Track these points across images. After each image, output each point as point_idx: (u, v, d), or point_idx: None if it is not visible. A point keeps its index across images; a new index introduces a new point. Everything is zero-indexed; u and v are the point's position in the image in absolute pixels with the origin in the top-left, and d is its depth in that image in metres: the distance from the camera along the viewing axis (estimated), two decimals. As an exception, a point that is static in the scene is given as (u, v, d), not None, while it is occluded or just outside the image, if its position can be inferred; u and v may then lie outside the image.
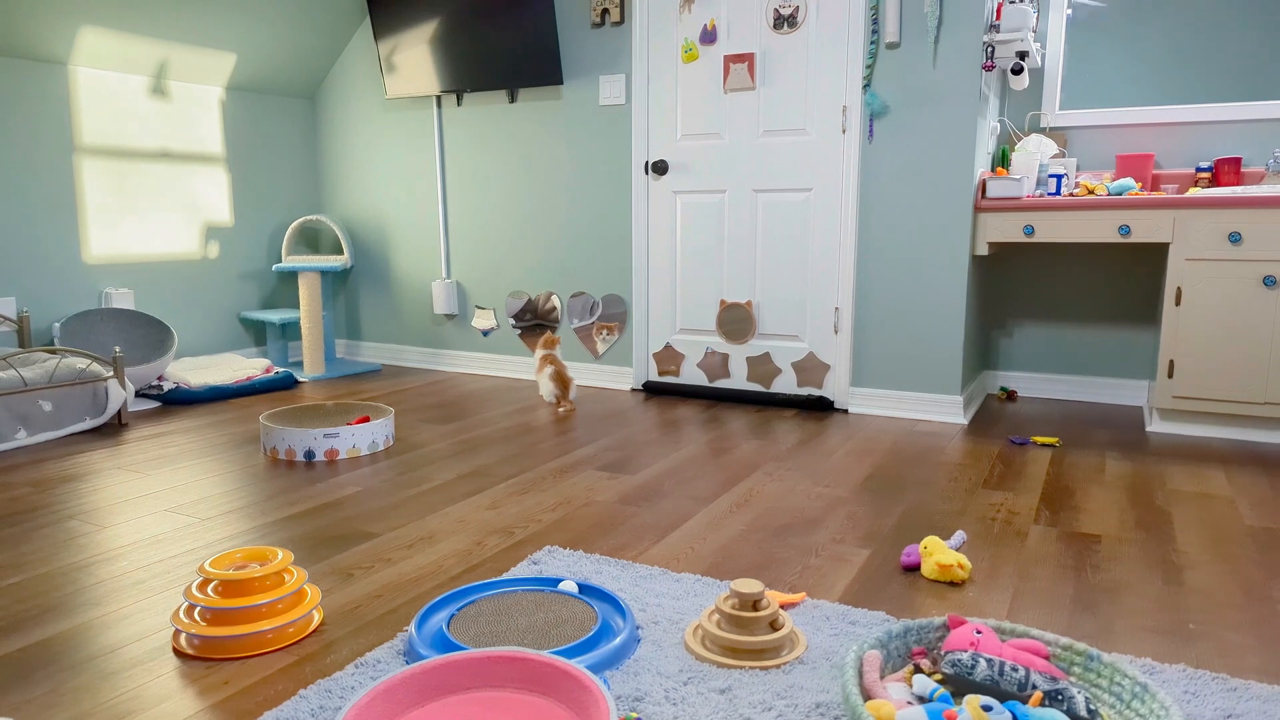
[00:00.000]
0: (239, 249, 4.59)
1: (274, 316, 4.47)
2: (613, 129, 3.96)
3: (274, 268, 4.51)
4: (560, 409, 3.65)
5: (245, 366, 4.10)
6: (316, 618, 1.73)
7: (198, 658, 1.59)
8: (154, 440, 3.15)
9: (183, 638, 1.63)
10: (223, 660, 1.58)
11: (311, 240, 4.96)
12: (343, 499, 2.50)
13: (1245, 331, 3.01)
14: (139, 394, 3.79)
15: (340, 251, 4.88)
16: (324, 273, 4.67)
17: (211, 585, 1.66)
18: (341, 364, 4.69)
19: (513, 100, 4.20)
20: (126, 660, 1.57)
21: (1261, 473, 2.70)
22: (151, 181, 4.17)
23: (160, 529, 2.25)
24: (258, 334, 4.72)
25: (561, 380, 3.71)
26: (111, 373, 3.34)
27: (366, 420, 3.12)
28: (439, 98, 4.40)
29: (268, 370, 4.16)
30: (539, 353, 3.81)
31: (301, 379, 4.33)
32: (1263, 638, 1.65)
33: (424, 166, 4.52)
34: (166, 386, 3.79)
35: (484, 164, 4.34)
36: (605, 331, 4.05)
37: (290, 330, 4.86)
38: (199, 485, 2.62)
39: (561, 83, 3.99)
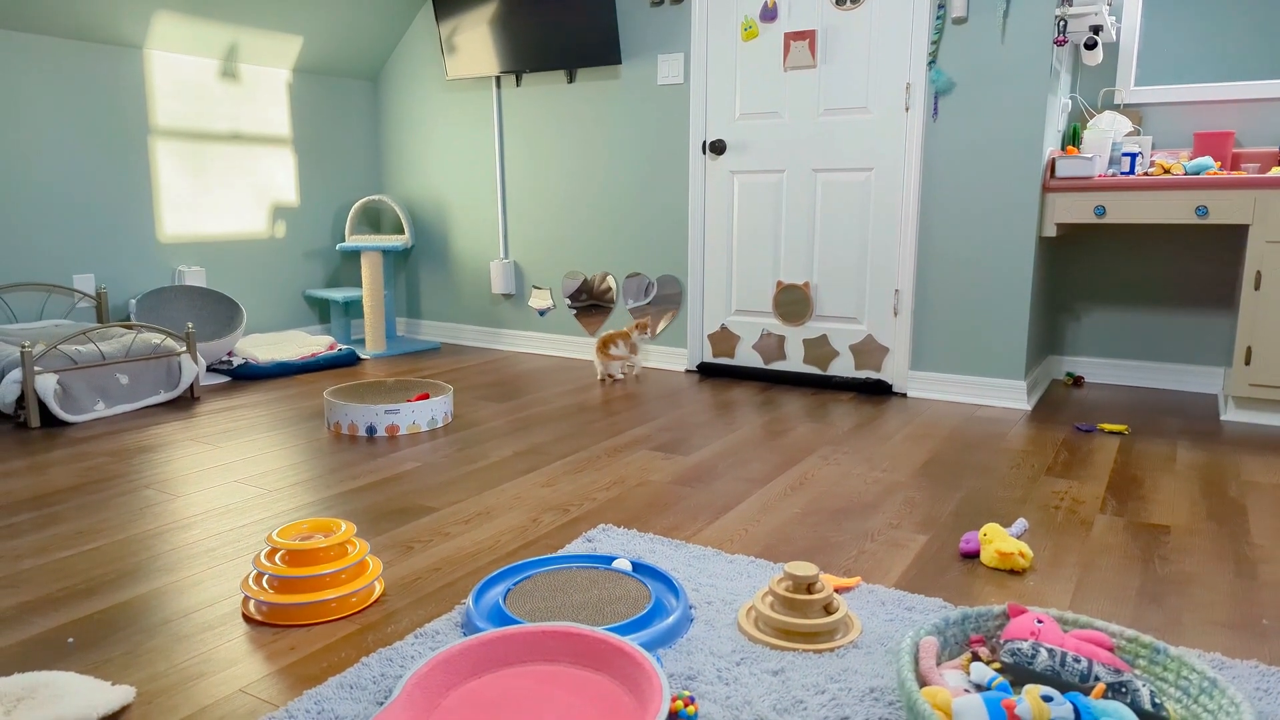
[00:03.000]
0: (304, 229, 4.70)
1: (337, 295, 4.57)
2: (670, 108, 3.94)
3: (337, 247, 4.61)
4: (611, 377, 3.87)
5: (310, 343, 4.21)
6: (378, 588, 1.78)
7: (265, 624, 1.65)
8: (224, 413, 3.26)
9: (251, 604, 1.69)
10: (289, 627, 1.64)
11: (374, 220, 5.05)
12: (403, 474, 2.56)
13: (1331, 318, 2.87)
14: (210, 369, 3.93)
15: (401, 231, 4.96)
16: (385, 252, 4.75)
17: (279, 554, 1.72)
18: (402, 342, 4.78)
19: (571, 80, 4.21)
20: (198, 624, 1.64)
21: (1345, 465, 2.59)
22: (222, 163, 4.29)
23: (230, 499, 2.33)
24: (322, 312, 4.84)
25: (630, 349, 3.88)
26: (184, 348, 3.46)
27: (426, 397, 3.18)
28: (498, 78, 4.43)
29: (331, 347, 4.26)
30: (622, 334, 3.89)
31: (363, 356, 4.43)
32: (1342, 636, 1.58)
33: (483, 147, 4.56)
34: (236, 362, 3.92)
35: (542, 144, 4.36)
36: (660, 317, 4.10)
37: (353, 308, 4.97)
38: (267, 458, 2.71)
39: (620, 62, 3.98)
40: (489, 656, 1.45)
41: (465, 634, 1.58)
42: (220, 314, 4.07)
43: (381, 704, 1.36)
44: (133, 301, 3.91)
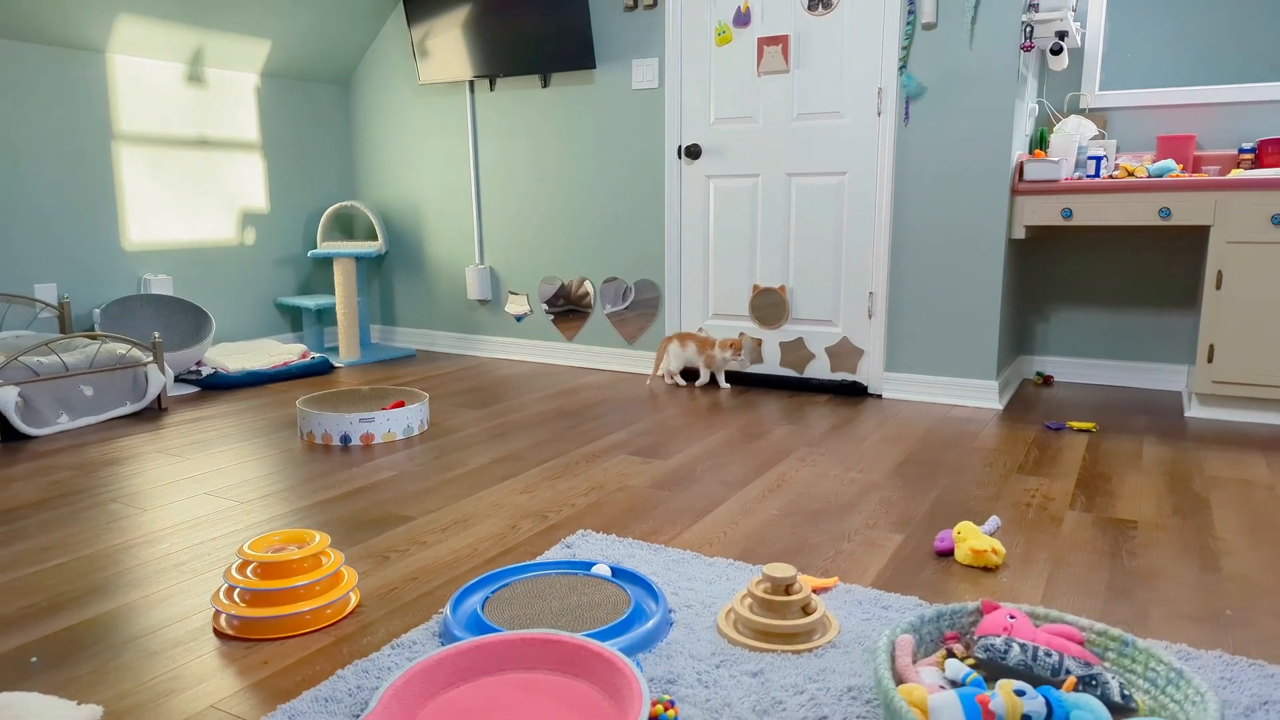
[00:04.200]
0: (275, 235, 4.66)
1: (309, 302, 4.53)
2: (645, 113, 3.95)
3: (309, 254, 4.57)
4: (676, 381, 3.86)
5: (282, 352, 4.17)
6: (353, 599, 1.76)
7: (237, 638, 1.63)
8: (193, 424, 3.22)
9: (223, 619, 1.67)
10: (262, 641, 1.62)
11: (346, 226, 5.02)
12: (378, 483, 2.54)
13: (1291, 315, 2.94)
14: (178, 379, 3.87)
15: (374, 237, 4.93)
16: (358, 258, 4.72)
17: (250, 567, 1.70)
18: (376, 349, 4.74)
19: (545, 85, 4.20)
20: (168, 640, 1.62)
21: (1306, 460, 2.65)
22: (189, 168, 4.24)
23: (200, 512, 2.30)
24: (294, 319, 4.79)
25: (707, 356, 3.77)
26: (151, 358, 3.41)
27: (401, 405, 3.16)
28: (472, 83, 4.41)
29: (304, 355, 4.22)
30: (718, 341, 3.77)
31: (337, 364, 4.39)
32: (1305, 627, 1.62)
33: (457, 152, 4.54)
34: (205, 371, 3.87)
35: (517, 149, 4.35)
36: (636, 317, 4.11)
37: (326, 316, 4.92)
38: (237, 469, 2.68)
39: (594, 67, 3.98)
40: (467, 665, 1.44)
41: (443, 643, 1.57)
42: (188, 323, 4.02)
43: (357, 717, 1.35)
44: (97, 311, 3.85)
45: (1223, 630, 1.61)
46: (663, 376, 3.91)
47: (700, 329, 3.98)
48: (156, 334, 3.49)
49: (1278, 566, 1.89)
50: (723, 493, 2.41)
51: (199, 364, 3.91)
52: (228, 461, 2.75)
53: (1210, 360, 3.08)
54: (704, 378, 3.84)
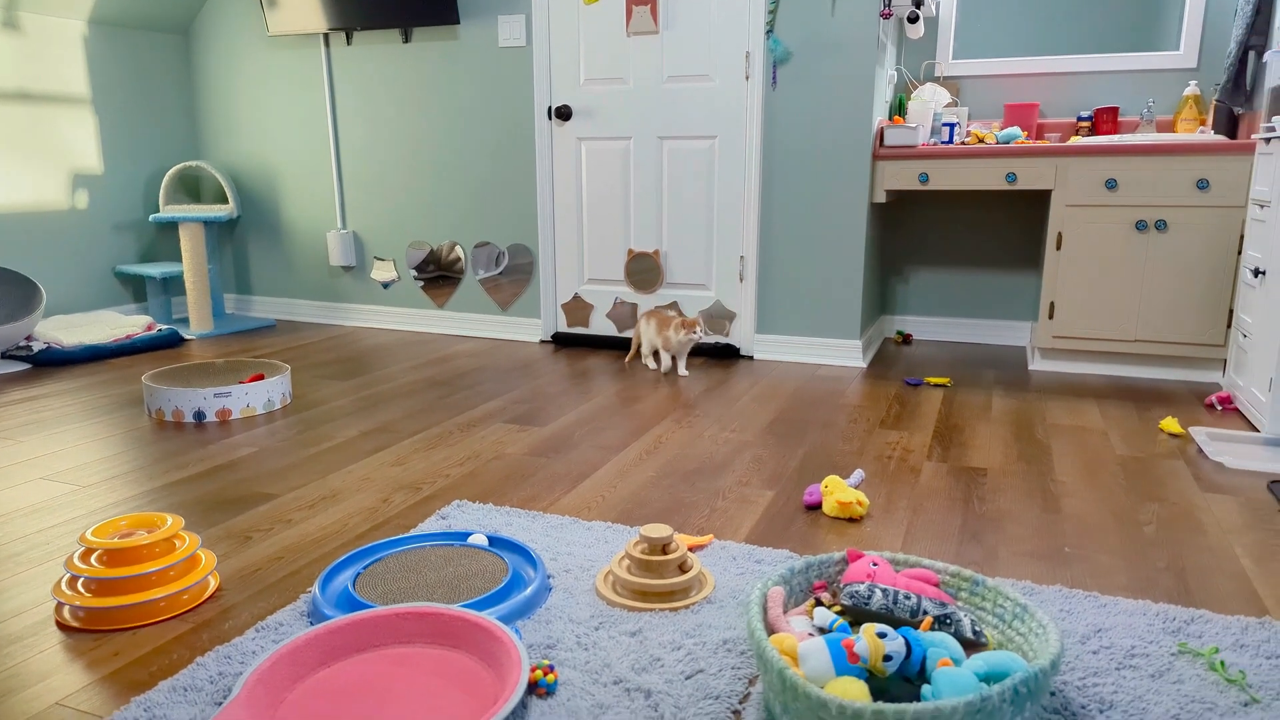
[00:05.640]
0: (111, 198, 4.29)
1: (154, 270, 4.22)
2: (514, 72, 3.85)
3: (151, 218, 4.24)
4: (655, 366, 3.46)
5: (124, 324, 3.87)
6: (213, 583, 1.67)
7: (84, 630, 1.51)
8: (24, 404, 2.95)
9: (66, 610, 1.55)
10: (112, 631, 1.51)
11: (192, 188, 4.68)
12: (237, 460, 2.40)
13: (1118, 274, 3.19)
14: (5, 355, 3.53)
15: (224, 200, 4.62)
16: (207, 223, 4.42)
17: (95, 555, 1.58)
18: (231, 320, 4.47)
19: (407, 40, 4.02)
20: (4, 636, 1.49)
21: (1131, 406, 2.89)
22: (8, 125, 3.84)
23: (36, 498, 2.12)
24: (137, 289, 4.45)
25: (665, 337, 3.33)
26: (-27, 333, 3.09)
27: (261, 378, 3.00)
28: (327, 35, 4.17)
29: (149, 328, 3.93)
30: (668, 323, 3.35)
31: (188, 336, 4.12)
32: (1130, 558, 1.78)
33: (314, 109, 4.30)
34: (36, 347, 3.54)
35: (378, 108, 4.16)
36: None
37: (173, 285, 4.60)
38: (77, 451, 2.48)
39: (458, 22, 3.84)
40: (338, 644, 1.39)
41: (312, 623, 1.52)
42: (14, 295, 3.67)
43: (220, 704, 1.28)
44: (-95, 282, 3.46)
45: (1062, 566, 1.75)
46: (645, 358, 3.52)
47: (673, 304, 3.71)
48: (-24, 307, 3.16)
49: (1110, 505, 2.06)
50: (600, 457, 2.42)
51: (29, 339, 3.58)
52: (66, 443, 2.54)
53: (1051, 317, 3.32)
54: (665, 362, 3.39)
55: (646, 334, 3.43)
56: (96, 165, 4.21)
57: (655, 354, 3.50)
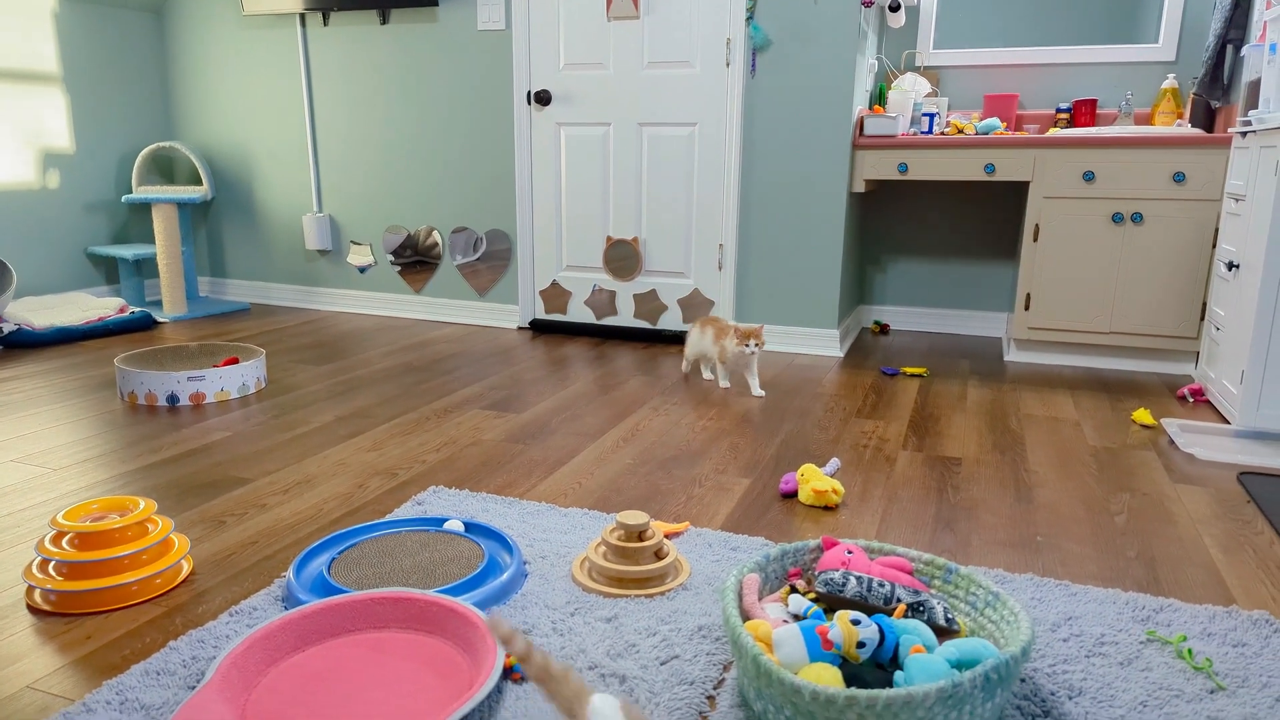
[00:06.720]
0: (83, 178, 4.22)
1: (126, 252, 4.15)
2: (493, 55, 3.81)
3: (124, 199, 4.17)
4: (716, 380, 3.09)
5: (96, 306, 3.81)
6: (186, 567, 1.65)
7: (56, 613, 1.50)
8: (-6, 386, 2.90)
9: (37, 594, 1.53)
10: (84, 615, 1.50)
11: (166, 169, 4.61)
12: (211, 444, 2.38)
13: (1094, 266, 3.23)
14: (-26, 337, 3.47)
15: (198, 181, 4.55)
16: (181, 204, 4.36)
17: (67, 538, 1.56)
18: (205, 303, 4.42)
19: (384, 21, 3.97)
20: (-28, 621, 1.47)
21: (1104, 397, 2.93)
22: (-25, 101, 3.76)
23: (6, 481, 2.08)
24: (109, 271, 4.38)
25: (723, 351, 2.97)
26: (-61, 314, 3.03)
27: (235, 361, 2.97)
28: (303, 15, 4.11)
29: (122, 310, 3.88)
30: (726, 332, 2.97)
31: (161, 319, 4.07)
32: (1100, 547, 1.80)
33: (289, 91, 4.24)
34: (7, 328, 3.48)
35: (356, 90, 4.11)
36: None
37: (146, 267, 4.53)
38: (49, 433, 2.44)
39: (436, 4, 3.80)
40: (312, 629, 1.39)
41: (286, 608, 1.51)
42: (-16, 274, 3.60)
43: (193, 688, 1.28)
44: None
45: (1034, 554, 1.77)
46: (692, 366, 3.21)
47: (717, 317, 3.26)
48: (-57, 287, 3.10)
49: (1081, 495, 2.09)
50: (578, 444, 2.42)
51: (-3, 320, 3.52)
52: (37, 425, 2.50)
53: (1027, 308, 3.35)
54: (719, 373, 3.03)
55: (701, 343, 3.04)
56: (68, 144, 4.13)
57: (697, 364, 3.18)
